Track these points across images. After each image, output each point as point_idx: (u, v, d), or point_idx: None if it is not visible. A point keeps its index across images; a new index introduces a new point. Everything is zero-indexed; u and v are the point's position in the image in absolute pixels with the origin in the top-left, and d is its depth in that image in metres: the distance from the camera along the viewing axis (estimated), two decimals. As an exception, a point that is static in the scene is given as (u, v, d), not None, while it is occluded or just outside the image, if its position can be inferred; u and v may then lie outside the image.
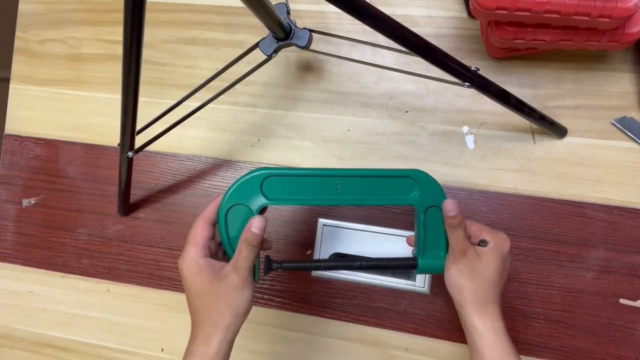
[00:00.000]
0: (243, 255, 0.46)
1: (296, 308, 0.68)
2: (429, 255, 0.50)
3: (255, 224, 0.46)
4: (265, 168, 0.49)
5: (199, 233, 0.47)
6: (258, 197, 0.48)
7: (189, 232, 0.48)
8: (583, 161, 0.65)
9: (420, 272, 0.51)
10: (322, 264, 0.52)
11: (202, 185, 0.72)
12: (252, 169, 0.71)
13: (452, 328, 0.64)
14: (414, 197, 0.50)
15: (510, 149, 0.66)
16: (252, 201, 0.48)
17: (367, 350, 0.66)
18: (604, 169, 0.64)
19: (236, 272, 0.46)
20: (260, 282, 0.69)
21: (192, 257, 0.46)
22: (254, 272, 0.48)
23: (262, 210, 0.49)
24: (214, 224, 0.49)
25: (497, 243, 0.50)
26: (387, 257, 0.51)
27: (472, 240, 0.50)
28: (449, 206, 0.49)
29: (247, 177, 0.48)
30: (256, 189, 0.48)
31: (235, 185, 0.48)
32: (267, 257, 0.51)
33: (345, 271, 0.67)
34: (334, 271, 0.67)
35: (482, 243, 0.50)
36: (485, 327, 0.48)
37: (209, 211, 0.49)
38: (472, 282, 0.48)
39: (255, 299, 0.68)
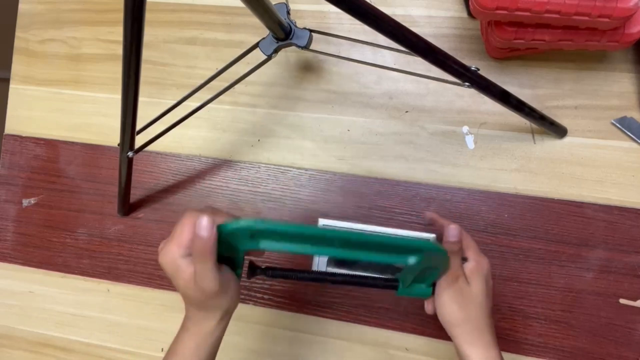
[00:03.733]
0: (199, 274, 0.40)
1: (296, 308, 0.68)
2: (413, 286, 0.49)
3: (203, 226, 0.38)
4: (258, 222, 0.39)
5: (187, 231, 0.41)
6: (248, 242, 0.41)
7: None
8: (583, 161, 0.65)
9: (401, 295, 0.49)
10: (306, 274, 0.49)
11: (202, 185, 0.72)
12: (252, 168, 0.72)
13: (452, 328, 0.64)
14: (414, 260, 0.43)
15: (510, 149, 0.66)
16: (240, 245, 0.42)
17: (367, 350, 0.66)
18: (604, 169, 0.64)
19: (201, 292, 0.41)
20: (260, 282, 0.69)
21: (174, 255, 0.41)
22: (237, 270, 0.44)
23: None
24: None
25: (478, 263, 0.49)
26: (371, 275, 0.50)
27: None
28: (453, 231, 0.48)
29: (237, 226, 0.40)
30: (246, 236, 0.41)
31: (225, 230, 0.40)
32: (250, 262, 0.48)
33: (345, 271, 0.67)
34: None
35: (463, 260, 0.49)
36: (478, 355, 0.46)
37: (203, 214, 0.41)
38: (463, 308, 0.47)
39: (255, 299, 0.69)
